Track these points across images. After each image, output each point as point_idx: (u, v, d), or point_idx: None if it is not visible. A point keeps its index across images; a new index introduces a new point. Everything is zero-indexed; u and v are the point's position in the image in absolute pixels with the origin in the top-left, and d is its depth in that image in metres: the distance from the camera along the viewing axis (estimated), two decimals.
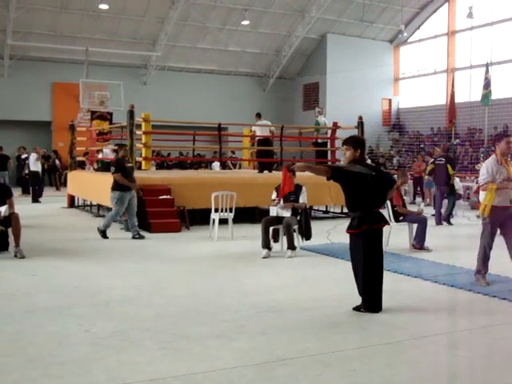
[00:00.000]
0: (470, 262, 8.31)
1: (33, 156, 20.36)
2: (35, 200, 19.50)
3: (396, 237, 10.14)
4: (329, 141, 17.19)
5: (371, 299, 6.01)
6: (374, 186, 6.00)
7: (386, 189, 6.29)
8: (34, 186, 20.03)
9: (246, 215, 13.20)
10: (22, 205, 14.97)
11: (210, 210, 11.45)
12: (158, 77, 30.15)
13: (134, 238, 11.16)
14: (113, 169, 11.53)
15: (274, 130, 16.59)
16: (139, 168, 15.61)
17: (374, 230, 6.09)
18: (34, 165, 20.07)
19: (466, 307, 6.50)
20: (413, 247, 9.95)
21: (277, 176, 13.99)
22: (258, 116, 16.72)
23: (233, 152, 26.45)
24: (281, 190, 6.84)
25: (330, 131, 17.40)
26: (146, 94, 28.55)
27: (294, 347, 4.97)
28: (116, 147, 13.21)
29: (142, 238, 11.15)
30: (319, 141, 16.80)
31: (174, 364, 4.57)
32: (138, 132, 14.16)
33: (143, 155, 15.16)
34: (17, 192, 18.04)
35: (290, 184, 6.91)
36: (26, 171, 22.76)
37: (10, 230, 9.17)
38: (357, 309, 6.06)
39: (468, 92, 28.27)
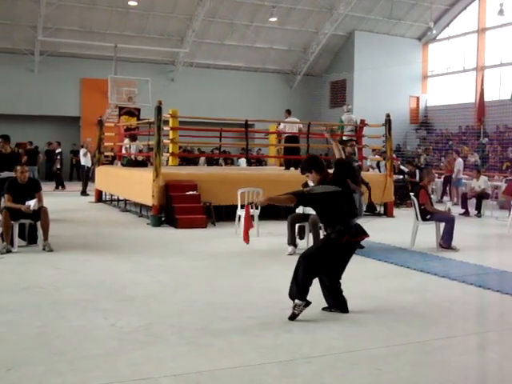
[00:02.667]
0: (498, 262, 8.21)
1: (82, 151, 20.63)
2: (83, 193, 19.78)
3: (423, 236, 10.04)
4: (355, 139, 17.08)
5: (305, 292, 5.72)
6: (343, 197, 5.86)
7: (351, 193, 6.14)
8: (84, 180, 20.30)
9: (271, 212, 13.17)
10: (54, 198, 15.09)
11: (235, 206, 11.46)
12: (186, 73, 30.24)
13: None
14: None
15: (302, 128, 16.54)
16: (166, 164, 15.68)
17: (352, 243, 5.94)
18: (83, 159, 20.33)
19: (494, 308, 6.41)
20: (440, 246, 9.84)
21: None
22: (288, 112, 16.70)
23: (259, 149, 26.48)
24: (244, 230, 6.37)
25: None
26: (173, 91, 28.64)
27: (318, 345, 4.95)
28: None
29: None
30: (344, 138, 16.69)
31: (198, 360, 4.58)
32: (165, 128, 14.22)
33: (170, 151, 15.21)
34: (48, 186, 18.24)
35: (248, 224, 6.36)
36: (58, 166, 23.08)
37: (38, 224, 9.29)
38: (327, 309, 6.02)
39: (497, 90, 27.88)
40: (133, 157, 17.27)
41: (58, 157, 23.41)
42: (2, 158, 10.93)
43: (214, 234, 11.42)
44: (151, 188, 12.70)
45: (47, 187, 18.60)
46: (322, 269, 5.85)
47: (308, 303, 5.68)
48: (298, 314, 5.62)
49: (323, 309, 5.99)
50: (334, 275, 6.00)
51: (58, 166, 23.18)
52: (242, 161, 23.84)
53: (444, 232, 9.89)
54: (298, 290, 5.68)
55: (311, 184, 9.62)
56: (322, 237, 9.38)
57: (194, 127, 17.06)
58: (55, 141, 25.41)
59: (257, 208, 6.08)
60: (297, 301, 5.66)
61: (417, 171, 19.02)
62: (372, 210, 14.19)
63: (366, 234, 6.00)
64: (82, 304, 6.12)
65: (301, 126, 16.55)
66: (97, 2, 26.32)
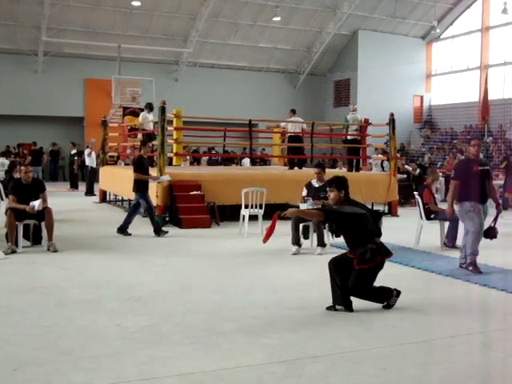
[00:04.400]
0: (503, 261, 8.20)
1: (87, 151, 20.69)
2: (88, 193, 19.83)
3: (427, 235, 10.03)
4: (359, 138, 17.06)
5: (381, 295, 6.12)
6: (369, 218, 6.07)
7: (377, 221, 6.37)
8: (89, 180, 20.36)
9: (275, 211, 13.16)
10: (59, 198, 15.09)
11: (240, 206, 11.46)
12: (190, 73, 30.25)
13: None
14: None
15: (305, 127, 16.53)
16: (170, 164, 15.69)
17: (382, 263, 6.06)
18: (88, 159, 20.39)
19: (498, 307, 6.41)
20: (444, 245, 9.83)
21: (307, 173, 13.94)
22: (293, 112, 16.69)
23: (263, 149, 26.48)
24: (267, 233, 6.49)
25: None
26: (177, 90, 28.65)
27: (323, 345, 4.95)
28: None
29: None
30: (348, 138, 16.68)
31: (204, 359, 4.58)
32: (169, 128, 14.23)
33: (174, 151, 15.23)
34: (53, 186, 18.22)
35: (271, 230, 6.50)
36: (75, 166, 23.21)
37: (43, 224, 9.31)
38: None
39: (502, 89, 27.81)
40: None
41: (76, 158, 23.52)
42: None
43: (219, 234, 11.43)
44: (155, 188, 12.71)
45: (52, 187, 18.64)
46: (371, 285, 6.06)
47: (398, 292, 6.10)
48: (393, 305, 6.07)
49: (327, 308, 6.00)
50: (345, 277, 6.04)
51: (75, 167, 23.31)
52: (246, 160, 23.84)
53: (448, 231, 9.88)
54: (380, 299, 6.11)
55: (315, 185, 9.66)
56: (325, 236, 9.42)
57: (197, 127, 17.09)
58: (70, 142, 25.46)
59: (280, 217, 6.06)
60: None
61: (418, 170, 19.04)
62: None
63: (391, 253, 6.17)
64: (87, 304, 6.14)
65: (304, 125, 16.52)
66: (100, 3, 26.36)
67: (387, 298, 6.07)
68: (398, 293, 6.10)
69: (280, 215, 6.19)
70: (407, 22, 31.33)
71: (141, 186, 11.29)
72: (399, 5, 29.45)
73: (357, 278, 5.93)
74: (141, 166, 11.44)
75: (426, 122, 32.62)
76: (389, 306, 6.05)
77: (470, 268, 7.85)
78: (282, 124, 17.33)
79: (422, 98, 32.81)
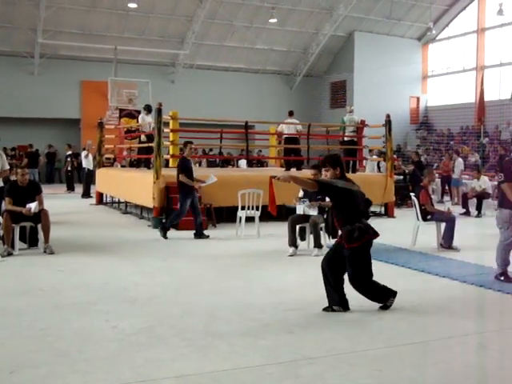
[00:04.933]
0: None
1: (83, 153, 20.67)
2: (85, 195, 19.82)
3: (424, 236, 10.05)
4: (355, 139, 17.10)
5: (382, 294, 6.12)
6: (361, 198, 6.09)
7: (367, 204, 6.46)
8: (86, 183, 20.34)
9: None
10: (55, 200, 15.09)
11: (236, 208, 11.46)
12: (186, 75, 30.26)
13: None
14: None
15: (300, 129, 16.54)
16: (167, 165, 15.68)
17: (370, 242, 6.07)
18: (85, 161, 20.36)
19: (494, 308, 6.43)
20: (441, 246, 9.85)
21: (304, 174, 13.94)
22: (289, 114, 16.72)
23: (260, 150, 26.49)
24: (270, 202, 6.53)
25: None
26: (173, 92, 28.65)
27: (320, 346, 4.95)
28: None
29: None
30: (345, 139, 16.72)
31: (200, 361, 4.58)
32: (165, 130, 14.23)
33: (171, 153, 15.23)
34: (49, 189, 18.15)
35: (273, 196, 6.53)
36: (69, 168, 23.18)
37: (39, 226, 9.30)
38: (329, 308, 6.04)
39: (497, 90, 27.88)
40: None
41: (69, 159, 23.51)
42: None
43: (215, 236, 11.42)
44: (152, 190, 12.71)
45: (48, 189, 18.62)
46: (371, 271, 6.04)
47: (395, 293, 6.10)
48: (390, 305, 6.08)
49: (324, 309, 6.00)
50: (339, 274, 6.07)
51: (69, 168, 23.29)
52: (243, 162, 23.85)
53: (445, 232, 9.90)
54: (380, 297, 6.08)
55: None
56: (322, 238, 9.42)
57: (194, 129, 17.09)
58: (66, 143, 25.42)
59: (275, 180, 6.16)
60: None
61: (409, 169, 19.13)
62: None
63: (378, 234, 6.15)
64: (84, 306, 6.13)
65: (299, 127, 16.54)
66: (96, 5, 26.35)
67: (386, 298, 6.08)
68: (395, 294, 6.12)
69: (274, 178, 6.29)
70: (403, 24, 31.39)
71: (185, 188, 11.07)
72: (395, 6, 29.49)
73: (352, 262, 5.93)
74: (185, 168, 11.16)
75: (422, 123, 32.67)
76: (386, 307, 6.05)
77: (502, 278, 7.44)
78: (279, 127, 17.33)
79: (418, 99, 32.87)
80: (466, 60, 30.64)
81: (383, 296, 6.08)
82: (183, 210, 11.10)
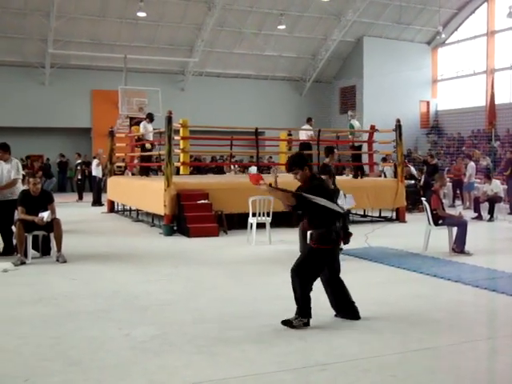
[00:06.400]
0: None
1: (94, 162, 20.77)
2: (96, 203, 19.91)
3: (435, 240, 10.00)
4: (365, 144, 17.13)
5: (304, 306, 5.71)
6: (334, 197, 5.99)
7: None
8: (96, 191, 20.43)
9: (283, 219, 13.19)
10: (67, 209, 15.14)
11: (247, 215, 11.48)
12: (196, 82, 30.37)
13: None
14: None
15: (312, 135, 16.67)
16: (177, 173, 15.74)
17: (338, 246, 5.98)
18: (95, 170, 20.46)
19: (507, 313, 6.38)
20: (453, 251, 9.80)
21: None
22: (307, 120, 17.01)
23: (270, 156, 26.52)
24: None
25: (366, 134, 17.36)
26: (183, 100, 28.78)
27: (332, 352, 4.95)
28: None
29: None
30: (355, 144, 16.77)
31: (212, 368, 4.59)
32: (176, 137, 14.28)
33: (181, 160, 15.29)
34: (61, 197, 18.20)
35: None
36: (79, 176, 23.32)
37: (51, 235, 9.36)
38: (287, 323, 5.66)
39: (509, 93, 27.75)
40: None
41: (79, 167, 23.66)
42: None
43: (226, 243, 11.44)
44: (163, 197, 12.76)
45: (60, 198, 18.71)
46: (315, 277, 5.76)
47: (308, 319, 5.66)
48: (295, 325, 5.60)
49: (336, 315, 5.99)
50: (330, 280, 5.95)
51: (79, 177, 23.42)
52: (253, 169, 23.85)
53: (457, 236, 9.85)
54: (301, 307, 5.68)
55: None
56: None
57: (204, 136, 17.15)
58: (76, 152, 25.68)
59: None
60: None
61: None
62: None
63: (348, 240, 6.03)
64: (96, 314, 6.16)
65: (310, 133, 16.64)
66: (106, 14, 26.53)
67: (302, 313, 5.64)
68: (308, 320, 5.67)
69: (259, 183, 6.04)
70: (412, 28, 31.37)
71: None
72: (404, 11, 29.49)
73: (307, 257, 5.77)
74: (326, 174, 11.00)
75: (432, 127, 32.59)
76: (289, 323, 5.61)
77: None
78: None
79: (428, 103, 32.79)
80: (476, 63, 30.53)
81: (303, 308, 5.65)
82: None
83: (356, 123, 16.76)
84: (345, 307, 5.98)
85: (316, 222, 5.82)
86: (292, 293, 6.76)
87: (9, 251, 9.71)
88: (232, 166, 22.30)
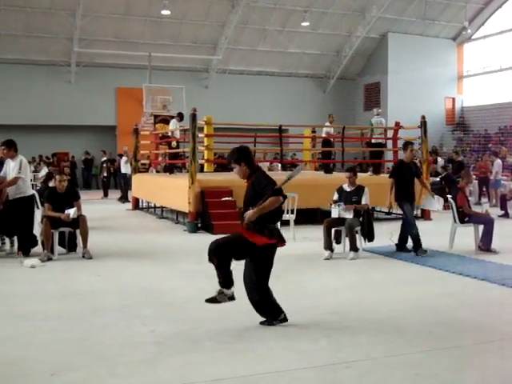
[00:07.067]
0: None
1: (123, 159, 20.93)
2: (124, 200, 20.08)
3: (461, 238, 9.90)
4: (386, 141, 17.09)
5: (276, 309, 5.58)
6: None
7: None
8: (124, 187, 20.59)
9: (307, 217, 13.17)
10: (92, 205, 15.28)
11: None
12: (219, 80, 30.44)
13: None
14: None
15: (327, 131, 16.83)
16: (201, 170, 15.80)
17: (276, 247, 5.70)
18: (124, 167, 20.60)
19: None
20: (479, 249, 9.70)
21: (338, 177, 13.90)
22: (328, 117, 17.15)
23: (294, 153, 26.48)
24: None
25: (391, 131, 17.26)
26: (207, 97, 28.85)
27: (357, 350, 4.93)
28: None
29: None
30: (373, 141, 16.70)
31: (237, 364, 4.61)
32: (200, 135, 14.34)
33: (205, 157, 15.33)
34: (87, 195, 18.39)
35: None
36: (105, 173, 23.54)
37: (78, 232, 9.46)
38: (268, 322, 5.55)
39: None
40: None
41: (104, 165, 23.87)
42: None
43: None
44: (187, 195, 12.81)
45: (85, 195, 18.90)
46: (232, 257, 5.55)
47: (232, 297, 5.49)
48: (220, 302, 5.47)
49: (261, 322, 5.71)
50: (261, 284, 5.72)
51: (105, 174, 23.62)
52: (277, 166, 23.83)
53: (483, 234, 9.74)
54: (270, 311, 5.56)
55: (347, 189, 9.63)
56: (358, 241, 9.37)
57: (228, 133, 17.17)
58: (101, 150, 25.97)
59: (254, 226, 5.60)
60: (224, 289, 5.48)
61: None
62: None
63: (285, 242, 5.75)
64: (122, 310, 6.21)
65: (327, 129, 16.78)
66: (131, 13, 26.71)
67: (227, 284, 5.46)
68: (279, 318, 5.55)
69: (247, 228, 5.59)
70: (437, 24, 31.09)
71: (399, 194, 9.81)
72: (429, 6, 29.23)
73: (260, 259, 5.60)
74: (398, 171, 10.01)
75: (458, 124, 32.29)
76: (214, 300, 5.47)
77: None
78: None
79: (453, 99, 32.49)
80: (503, 59, 30.15)
81: (226, 278, 5.50)
82: (407, 219, 9.75)
83: (375, 120, 16.67)
84: (271, 313, 5.71)
85: (259, 222, 5.53)
86: (318, 291, 6.76)
87: (25, 249, 9.47)
88: (267, 164, 22.23)
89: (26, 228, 9.50)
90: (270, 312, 5.60)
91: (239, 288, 5.70)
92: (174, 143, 16.30)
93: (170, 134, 16.80)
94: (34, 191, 9.99)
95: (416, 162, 11.31)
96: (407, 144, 10.12)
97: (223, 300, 5.47)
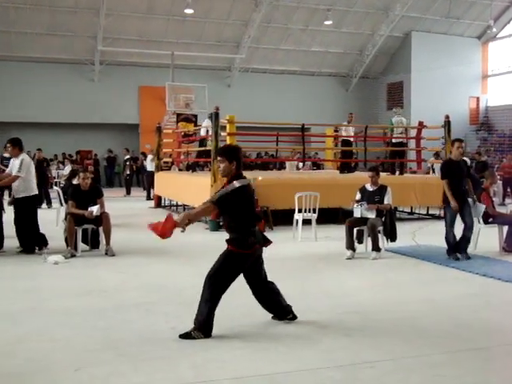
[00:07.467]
0: None
1: (149, 157, 21.06)
2: (150, 198, 20.21)
3: (485, 239, 9.81)
4: (407, 141, 17.00)
5: (208, 323, 5.27)
6: (253, 198, 5.57)
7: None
8: (150, 185, 20.69)
9: (329, 216, 13.14)
10: (115, 203, 15.38)
11: (292, 211, 11.47)
12: (242, 79, 30.47)
13: None
14: None
15: (347, 130, 16.88)
16: None
17: (260, 251, 5.65)
18: (150, 165, 20.73)
19: None
20: (503, 250, 9.60)
21: (359, 176, 13.86)
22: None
23: (316, 153, 26.43)
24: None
25: (413, 130, 17.17)
26: (230, 96, 28.90)
27: (378, 350, 4.91)
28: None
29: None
30: (393, 141, 16.61)
31: (259, 363, 4.62)
32: (222, 133, 14.36)
33: None
34: (110, 192, 18.51)
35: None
36: (128, 172, 23.70)
37: (100, 229, 9.54)
38: (187, 336, 5.20)
39: None
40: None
41: (127, 163, 24.03)
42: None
43: (272, 239, 11.30)
44: (209, 193, 12.83)
45: (108, 193, 19.03)
46: (230, 281, 5.44)
47: (208, 332, 5.23)
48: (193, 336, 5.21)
49: (273, 317, 5.75)
50: (257, 289, 5.73)
51: (128, 172, 23.78)
52: (307, 165, 23.81)
53: (507, 235, 9.65)
54: (200, 323, 5.26)
55: (369, 188, 9.59)
56: (380, 241, 9.33)
57: (251, 132, 17.20)
58: (124, 148, 26.19)
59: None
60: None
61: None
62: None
63: (269, 241, 5.71)
64: (144, 307, 6.26)
65: (345, 128, 16.81)
66: (154, 11, 26.83)
67: (205, 331, 5.22)
68: (207, 332, 5.24)
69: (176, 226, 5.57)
70: (462, 22, 30.80)
71: (446, 197, 9.32)
72: (453, 4, 28.96)
73: (223, 261, 5.45)
74: (447, 171, 9.35)
75: (482, 123, 31.95)
76: (188, 336, 5.17)
77: None
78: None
79: (477, 99, 32.18)
80: None
81: (205, 326, 5.23)
82: (448, 223, 9.26)
83: (396, 119, 16.56)
84: (280, 312, 5.73)
85: (233, 226, 5.51)
86: (339, 291, 6.74)
87: (28, 249, 9.50)
88: (294, 162, 22.24)
89: (27, 227, 9.49)
90: (198, 319, 5.29)
91: (250, 291, 5.72)
92: (209, 142, 16.34)
93: (203, 132, 16.73)
94: (36, 191, 9.75)
95: (466, 160, 10.65)
96: (454, 141, 9.53)
97: (198, 337, 5.20)
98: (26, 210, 9.49)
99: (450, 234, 9.16)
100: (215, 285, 5.35)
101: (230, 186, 5.36)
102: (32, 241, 9.60)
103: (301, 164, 20.57)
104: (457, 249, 9.13)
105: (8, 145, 9.57)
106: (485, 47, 32.25)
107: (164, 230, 5.47)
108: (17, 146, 9.49)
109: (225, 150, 5.69)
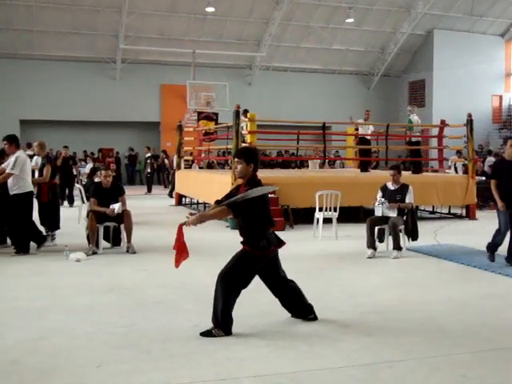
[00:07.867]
0: None
1: (175, 155, 21.16)
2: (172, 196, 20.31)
3: (508, 239, 9.68)
4: (422, 139, 16.93)
5: (226, 322, 5.29)
6: (267, 203, 5.54)
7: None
8: (173, 183, 20.80)
9: (350, 215, 13.09)
10: (136, 201, 15.44)
11: (313, 209, 11.44)
12: (263, 77, 30.45)
13: None
14: None
15: (358, 129, 16.85)
16: None
17: (275, 252, 5.62)
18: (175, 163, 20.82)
19: None
20: None
21: (381, 175, 13.79)
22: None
23: (336, 151, 26.35)
24: (177, 252, 5.87)
25: (436, 129, 17.05)
26: (250, 94, 28.92)
27: (400, 349, 4.89)
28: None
29: None
30: (413, 140, 16.51)
31: (279, 361, 4.61)
32: (243, 132, 14.38)
33: None
34: (131, 190, 18.60)
35: (180, 247, 5.91)
36: (149, 170, 23.83)
37: (122, 227, 9.60)
38: (207, 334, 5.25)
39: None
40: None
41: (148, 161, 24.16)
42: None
43: (292, 237, 11.41)
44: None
45: (129, 191, 19.13)
46: (246, 282, 5.46)
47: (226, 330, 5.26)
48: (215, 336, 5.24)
49: (292, 316, 5.76)
50: (278, 289, 5.74)
51: (149, 170, 23.90)
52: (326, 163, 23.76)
53: None
54: (217, 321, 5.30)
55: (391, 187, 9.53)
56: (401, 240, 9.28)
57: (271, 130, 17.18)
58: (145, 146, 26.35)
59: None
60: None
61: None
62: None
63: (284, 242, 5.66)
64: (165, 305, 6.29)
65: (364, 126, 16.76)
66: (175, 10, 26.91)
67: (224, 329, 5.26)
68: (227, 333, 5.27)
69: (184, 224, 5.74)
70: (485, 20, 30.48)
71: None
72: (476, 2, 28.68)
73: (238, 261, 5.42)
74: (498, 171, 8.84)
75: (505, 122, 31.60)
76: (209, 334, 5.22)
77: None
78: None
79: (500, 97, 31.83)
80: None
81: (223, 324, 5.27)
82: (501, 227, 8.83)
83: (414, 118, 16.46)
84: (301, 311, 5.74)
85: (246, 229, 5.48)
86: (360, 289, 6.70)
87: (22, 247, 9.37)
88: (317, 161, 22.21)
89: (20, 225, 9.34)
90: (215, 318, 5.34)
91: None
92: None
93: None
94: (31, 188, 9.58)
95: None
96: (508, 138, 8.89)
97: (219, 335, 5.25)
98: (20, 208, 9.30)
99: (499, 237, 8.64)
100: (229, 285, 5.34)
101: (249, 192, 5.28)
102: (25, 239, 9.41)
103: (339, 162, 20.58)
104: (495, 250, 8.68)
105: (4, 142, 9.44)
106: (508, 45, 31.89)
107: (178, 260, 5.87)
108: (13, 143, 9.37)
109: (243, 151, 5.65)
